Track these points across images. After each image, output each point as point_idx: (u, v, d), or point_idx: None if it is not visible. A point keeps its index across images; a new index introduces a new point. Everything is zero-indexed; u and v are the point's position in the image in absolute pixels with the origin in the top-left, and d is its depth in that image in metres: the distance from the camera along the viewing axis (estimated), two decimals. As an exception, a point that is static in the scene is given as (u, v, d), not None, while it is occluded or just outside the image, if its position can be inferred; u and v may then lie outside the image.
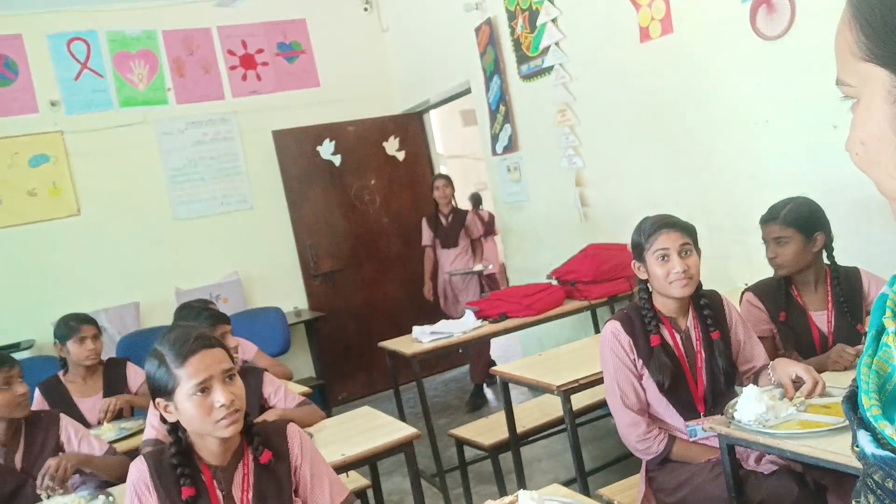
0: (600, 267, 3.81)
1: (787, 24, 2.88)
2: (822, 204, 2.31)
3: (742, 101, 3.18)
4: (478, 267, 5.24)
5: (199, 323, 2.42)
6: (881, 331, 0.67)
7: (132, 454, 2.68)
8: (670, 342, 2.08)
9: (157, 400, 1.59)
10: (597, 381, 2.50)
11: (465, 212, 5.45)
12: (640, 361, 2.07)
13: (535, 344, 4.83)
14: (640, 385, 2.08)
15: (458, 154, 10.00)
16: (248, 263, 5.57)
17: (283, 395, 2.59)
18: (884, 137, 0.64)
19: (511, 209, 5.06)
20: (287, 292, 5.67)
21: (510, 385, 2.99)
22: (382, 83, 6.18)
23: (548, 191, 4.61)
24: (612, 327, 2.11)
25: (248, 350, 3.39)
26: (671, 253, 2.01)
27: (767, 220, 2.32)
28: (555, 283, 4.07)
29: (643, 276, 2.10)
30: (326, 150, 5.79)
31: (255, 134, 5.63)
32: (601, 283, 3.83)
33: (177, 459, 1.58)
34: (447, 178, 5.41)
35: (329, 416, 5.25)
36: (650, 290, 2.11)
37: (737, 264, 3.38)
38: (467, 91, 5.32)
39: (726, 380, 2.10)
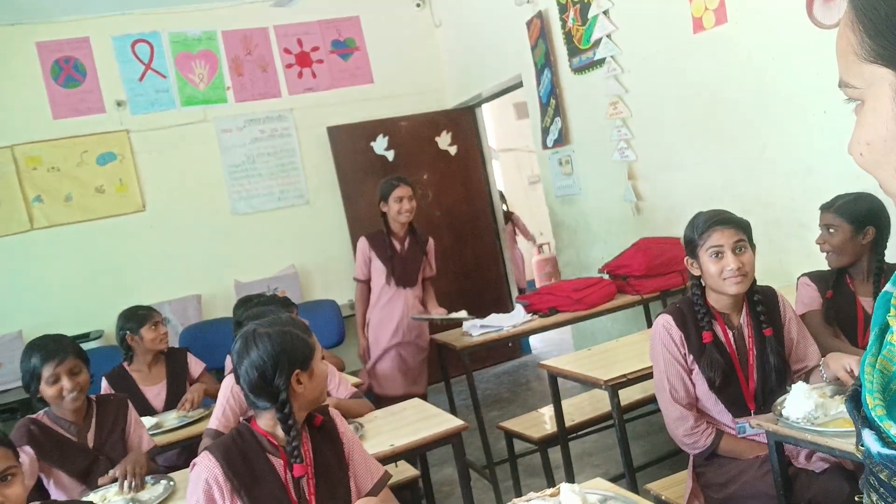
0: (652, 261, 3.77)
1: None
2: (880, 197, 2.25)
3: (799, 92, 3.10)
4: (461, 314, 3.88)
5: (271, 309, 2.52)
6: (885, 329, 0.67)
7: (194, 441, 2.81)
8: (722, 339, 2.07)
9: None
10: (646, 376, 2.49)
11: (426, 238, 4.15)
12: (691, 357, 2.06)
13: (588, 338, 4.82)
14: (690, 380, 2.07)
15: (511, 147, 9.98)
16: (304, 257, 5.71)
17: (338, 384, 2.66)
18: (890, 138, 0.64)
19: (563, 203, 5.05)
20: (342, 286, 5.77)
21: (559, 379, 3.00)
22: (435, 78, 6.23)
23: (600, 184, 4.58)
24: (664, 321, 2.10)
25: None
26: (725, 250, 2.00)
27: (825, 207, 2.35)
28: (606, 277, 4.05)
29: (696, 273, 2.09)
30: (380, 145, 5.87)
31: (311, 130, 5.75)
32: (653, 277, 3.80)
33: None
34: (412, 187, 3.95)
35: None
36: (703, 286, 2.10)
37: (795, 258, 3.30)
38: (519, 85, 5.31)
39: (778, 378, 2.07)
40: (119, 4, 5.19)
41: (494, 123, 8.75)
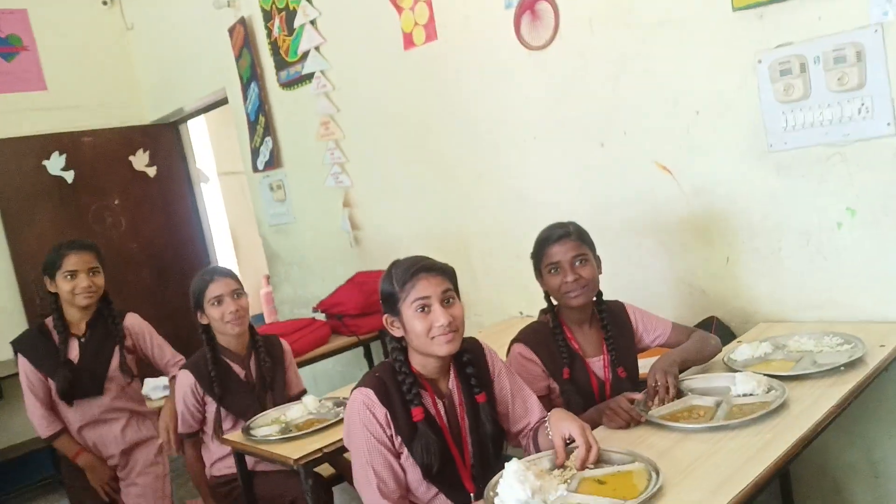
0: (368, 297, 3.39)
1: (551, 32, 2.66)
2: (589, 226, 2.05)
3: (510, 116, 2.93)
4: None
5: None
6: None
7: None
8: (433, 412, 1.69)
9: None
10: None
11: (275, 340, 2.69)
12: (399, 439, 1.64)
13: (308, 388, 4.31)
14: (401, 466, 1.66)
15: (235, 170, 9.19)
16: (-52, 305, 4.50)
17: None
18: None
19: (277, 232, 4.52)
20: (6, 336, 4.63)
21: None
22: (127, 89, 5.36)
23: (316, 212, 4.14)
24: (363, 396, 1.66)
25: None
26: (432, 302, 1.62)
27: (561, 237, 1.94)
28: (322, 316, 3.61)
29: (398, 333, 1.69)
30: (55, 164, 4.86)
31: (-42, 144, 4.59)
32: (371, 314, 3.42)
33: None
34: (233, 278, 2.47)
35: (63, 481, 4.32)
36: (405, 348, 1.71)
37: (512, 291, 3.12)
38: (224, 100, 4.70)
39: (494, 447, 1.74)
40: None
41: (214, 142, 7.91)
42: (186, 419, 2.44)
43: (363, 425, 1.64)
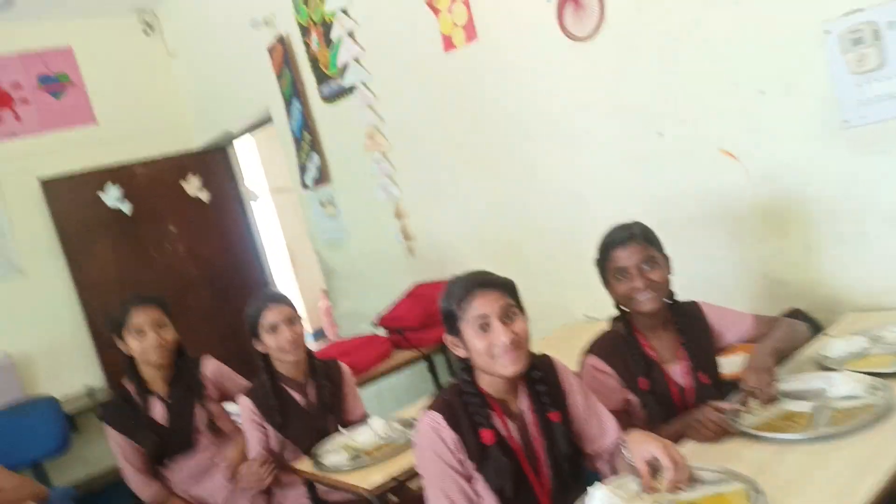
0: (428, 309, 3.32)
1: (597, 20, 2.54)
2: (650, 220, 1.93)
3: (559, 111, 2.82)
4: None
5: None
6: None
7: None
8: (504, 434, 1.60)
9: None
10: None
11: (333, 364, 2.61)
12: (471, 463, 1.57)
13: (372, 408, 4.28)
14: (474, 492, 1.58)
15: (285, 187, 9.23)
16: (19, 342, 4.61)
17: None
18: None
19: (331, 248, 4.50)
20: (77, 369, 4.78)
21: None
22: (175, 115, 5.43)
23: (368, 225, 4.10)
24: (432, 421, 1.58)
25: None
26: (491, 320, 1.54)
27: (625, 240, 1.81)
28: (382, 331, 3.55)
29: (462, 353, 1.61)
30: (111, 196, 4.95)
31: (18, 184, 4.71)
32: (432, 327, 3.35)
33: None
34: (288, 304, 2.41)
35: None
36: (471, 368, 1.62)
37: (574, 293, 3.01)
38: (269, 119, 4.70)
39: (572, 468, 1.64)
40: None
41: (264, 159, 7.96)
42: (254, 444, 2.37)
43: (433, 452, 1.56)
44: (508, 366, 1.54)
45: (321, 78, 3.98)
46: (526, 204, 3.11)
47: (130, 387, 2.58)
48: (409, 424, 2.25)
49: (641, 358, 1.85)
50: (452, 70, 3.20)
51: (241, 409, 2.38)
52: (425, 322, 3.33)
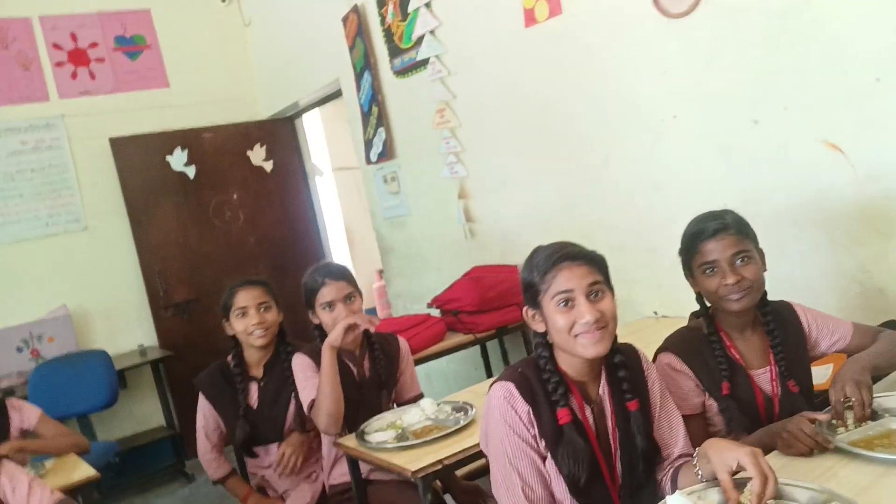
0: (486, 294, 3.20)
1: (695, -4, 2.36)
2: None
3: (644, 93, 2.64)
4: None
5: None
6: None
7: None
8: (580, 417, 1.46)
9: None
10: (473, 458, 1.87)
11: (391, 338, 2.52)
12: (544, 442, 1.43)
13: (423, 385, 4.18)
14: (546, 472, 1.45)
15: (348, 165, 9.22)
16: (80, 295, 4.67)
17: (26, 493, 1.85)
18: None
19: (391, 225, 4.41)
20: (132, 328, 4.81)
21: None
22: (245, 84, 5.41)
23: (430, 204, 3.99)
24: (504, 390, 1.45)
25: (29, 415, 2.59)
26: (576, 295, 1.40)
27: (717, 231, 1.63)
28: (436, 312, 3.44)
29: (540, 328, 1.47)
30: (178, 160, 4.96)
31: (89, 142, 4.75)
32: (488, 312, 3.23)
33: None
34: (346, 278, 2.30)
35: (185, 470, 4.42)
36: (550, 345, 1.49)
37: (643, 289, 2.84)
38: (339, 93, 4.64)
39: (646, 467, 1.49)
40: None
41: (329, 137, 7.96)
42: (311, 390, 2.20)
43: (504, 421, 1.43)
44: (589, 346, 1.40)
45: (394, 51, 3.88)
46: (597, 193, 2.94)
47: (232, 367, 2.53)
48: (460, 408, 2.13)
49: (725, 360, 1.68)
50: (532, 47, 3.06)
51: (298, 365, 2.27)
52: (482, 306, 3.21)
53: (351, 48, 4.22)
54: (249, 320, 2.44)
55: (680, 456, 1.50)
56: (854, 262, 2.17)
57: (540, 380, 1.47)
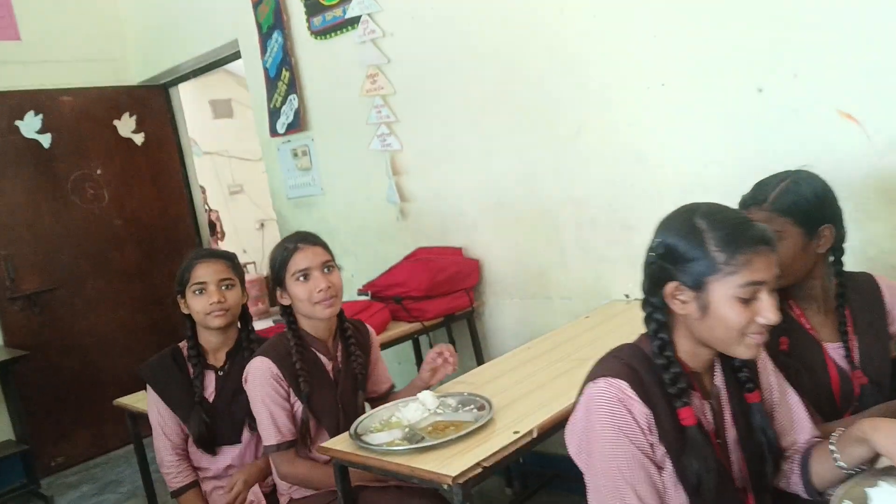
0: (435, 277, 2.88)
1: (703, -51, 2.20)
2: (732, 189, 1.60)
3: (629, 57, 2.45)
4: None
5: None
6: None
7: None
8: (701, 417, 1.20)
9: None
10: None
11: (360, 325, 2.20)
12: (663, 449, 1.15)
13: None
14: (661, 483, 1.17)
15: (208, 150, 8.49)
16: None
17: None
18: None
19: (297, 207, 3.95)
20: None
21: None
22: (114, 42, 4.69)
23: (349, 182, 3.59)
24: (617, 391, 1.15)
25: None
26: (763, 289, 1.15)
27: (750, 203, 1.51)
28: (367, 299, 3.07)
29: (683, 311, 1.19)
30: (30, 126, 4.18)
31: (-86, 97, 3.87)
32: (435, 297, 2.91)
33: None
34: (322, 246, 1.98)
35: (39, 489, 3.71)
36: (670, 327, 1.21)
37: (615, 269, 2.66)
38: (235, 55, 4.10)
39: (774, 468, 1.26)
40: None
41: (189, 122, 7.24)
42: (277, 420, 1.84)
43: (618, 429, 1.14)
44: (752, 349, 1.17)
45: (314, 8, 3.45)
46: (566, 166, 2.72)
47: (186, 352, 2.12)
48: (467, 402, 1.81)
49: (800, 334, 1.50)
50: (486, 2, 2.78)
51: (256, 376, 1.84)
52: (429, 291, 2.88)
53: (256, 4, 3.73)
54: (208, 298, 2.03)
55: (815, 441, 1.29)
56: (868, 238, 2.08)
57: (654, 373, 1.20)
